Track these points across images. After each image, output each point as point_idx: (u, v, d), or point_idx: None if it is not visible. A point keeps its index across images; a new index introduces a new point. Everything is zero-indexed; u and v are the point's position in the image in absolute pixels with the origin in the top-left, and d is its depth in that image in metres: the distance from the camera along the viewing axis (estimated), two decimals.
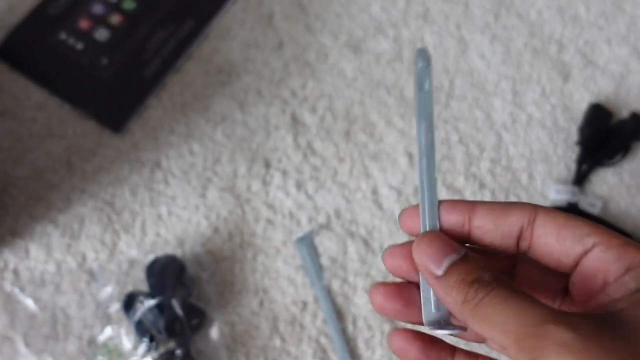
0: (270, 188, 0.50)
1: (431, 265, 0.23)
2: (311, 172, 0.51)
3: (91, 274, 0.46)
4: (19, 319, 0.44)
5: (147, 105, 0.51)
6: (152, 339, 0.42)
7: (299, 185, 0.50)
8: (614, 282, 0.22)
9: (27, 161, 0.49)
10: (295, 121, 0.53)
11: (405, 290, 0.26)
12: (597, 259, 0.22)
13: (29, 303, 0.44)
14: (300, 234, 0.48)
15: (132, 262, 0.46)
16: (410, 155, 0.53)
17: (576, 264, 0.23)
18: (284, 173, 0.51)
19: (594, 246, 0.22)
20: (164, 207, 0.49)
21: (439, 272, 0.23)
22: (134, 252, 0.46)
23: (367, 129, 0.53)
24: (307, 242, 0.48)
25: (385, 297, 0.26)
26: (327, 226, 0.50)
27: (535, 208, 0.23)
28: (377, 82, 0.55)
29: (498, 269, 0.24)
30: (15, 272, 0.45)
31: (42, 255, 0.46)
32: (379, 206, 0.51)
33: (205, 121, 0.52)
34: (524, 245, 0.23)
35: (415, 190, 0.52)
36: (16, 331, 0.43)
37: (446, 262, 0.23)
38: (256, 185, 0.50)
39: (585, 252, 0.22)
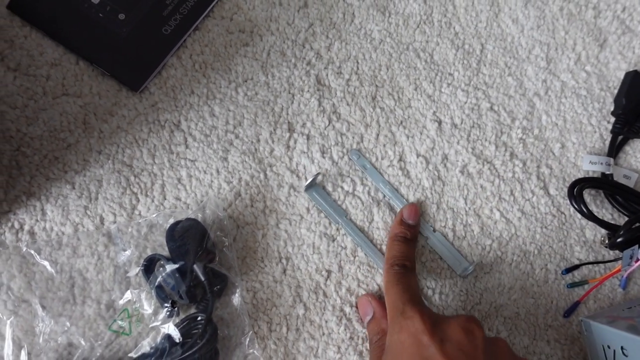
0: (294, 153, 0.48)
1: (362, 317, 0.44)
2: (336, 138, 0.49)
3: (109, 237, 0.44)
4: (36, 281, 0.42)
5: (166, 65, 0.49)
6: (173, 304, 0.40)
7: (324, 151, 0.49)
8: None
9: (41, 120, 0.47)
10: (321, 84, 0.50)
11: None
12: None
13: (46, 265, 0.43)
14: (306, 182, 0.46)
15: (151, 226, 0.45)
16: (439, 122, 0.50)
17: None
18: (309, 138, 0.49)
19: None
20: (183, 170, 0.47)
21: (364, 323, 0.44)
22: (153, 216, 0.45)
23: (395, 93, 0.51)
24: (317, 188, 0.47)
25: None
26: (352, 194, 0.48)
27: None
28: (406, 45, 0.53)
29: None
30: (31, 234, 0.44)
31: (58, 217, 0.44)
32: (406, 174, 0.49)
33: (226, 82, 0.49)
34: None
35: (443, 158, 0.50)
36: (33, 294, 0.42)
37: (365, 321, 0.44)
38: (279, 150, 0.48)
39: None
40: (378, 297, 0.44)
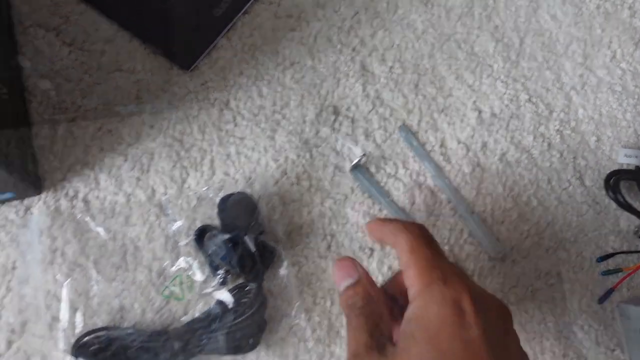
0: (338, 135, 0.50)
1: (337, 283, 0.35)
2: (379, 122, 0.50)
3: (160, 208, 0.45)
4: (90, 247, 0.44)
5: (216, 45, 0.51)
6: (227, 272, 0.42)
7: (368, 134, 0.50)
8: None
9: (96, 93, 0.48)
10: (365, 70, 0.52)
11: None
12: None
13: (100, 231, 0.44)
14: (352, 163, 0.48)
15: (201, 199, 0.46)
16: (479, 111, 0.52)
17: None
18: (353, 121, 0.50)
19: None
20: (232, 147, 0.48)
21: (340, 290, 0.35)
22: (203, 189, 0.46)
23: (437, 82, 0.52)
24: (361, 169, 0.48)
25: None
26: (394, 176, 0.49)
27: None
28: (447, 36, 0.54)
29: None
30: (86, 202, 0.45)
31: (111, 186, 0.46)
32: (447, 159, 0.50)
33: (274, 65, 0.51)
34: None
35: (483, 145, 0.51)
36: (87, 258, 0.43)
37: (343, 285, 0.35)
38: (325, 132, 0.49)
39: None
40: None
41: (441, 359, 0.28)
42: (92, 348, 0.39)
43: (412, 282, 0.32)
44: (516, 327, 0.44)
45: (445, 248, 0.47)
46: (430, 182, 0.49)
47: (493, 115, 0.52)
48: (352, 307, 0.33)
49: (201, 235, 0.43)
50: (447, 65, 0.53)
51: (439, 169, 0.49)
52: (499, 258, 0.48)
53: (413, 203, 0.48)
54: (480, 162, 0.50)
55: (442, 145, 0.50)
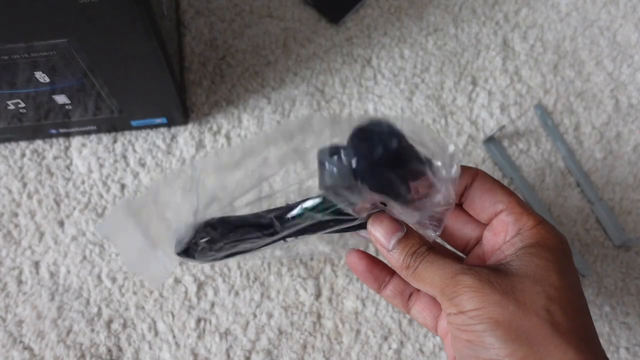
0: (474, 105, 0.50)
1: (383, 241, 0.30)
2: (515, 98, 0.50)
3: (297, 153, 0.47)
4: (227, 183, 0.45)
5: (364, 4, 0.52)
6: None
7: (503, 109, 0.50)
8: (507, 242, 0.29)
9: (246, 36, 0.50)
10: (506, 45, 0.52)
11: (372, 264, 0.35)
12: (502, 221, 0.30)
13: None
14: (491, 133, 0.48)
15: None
16: (616, 100, 0.51)
17: (489, 221, 0.30)
18: (490, 93, 0.50)
19: (501, 211, 0.30)
20: (370, 103, 0.49)
21: (389, 247, 0.30)
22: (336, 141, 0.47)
23: (576, 66, 0.52)
24: (495, 142, 0.48)
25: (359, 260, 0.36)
26: (526, 153, 0.49)
27: (476, 172, 0.31)
28: (591, 21, 0.53)
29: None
30: (228, 138, 0.47)
31: (253, 126, 0.47)
32: (580, 143, 0.50)
33: (418, 29, 0.51)
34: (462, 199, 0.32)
35: (617, 134, 0.50)
36: (225, 191, 0.45)
37: (393, 240, 0.30)
38: (461, 100, 0.50)
39: (496, 214, 0.30)
40: None
41: (565, 279, 0.27)
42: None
43: (519, 217, 0.30)
44: (635, 319, 0.44)
45: (571, 230, 0.47)
46: (561, 163, 0.49)
47: (630, 105, 0.51)
48: (418, 254, 0.29)
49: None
50: (588, 51, 0.53)
51: (570, 152, 0.49)
52: (623, 247, 0.47)
53: (542, 181, 0.49)
54: (613, 151, 0.50)
55: (575, 128, 0.50)
